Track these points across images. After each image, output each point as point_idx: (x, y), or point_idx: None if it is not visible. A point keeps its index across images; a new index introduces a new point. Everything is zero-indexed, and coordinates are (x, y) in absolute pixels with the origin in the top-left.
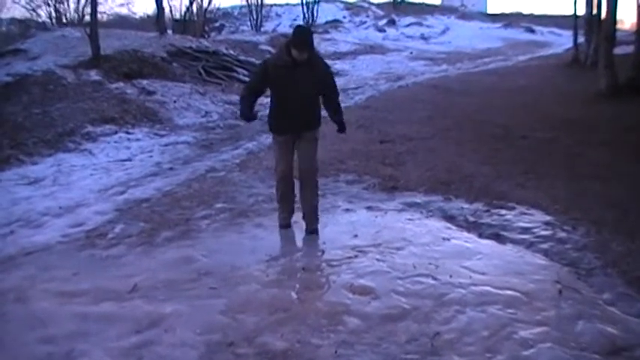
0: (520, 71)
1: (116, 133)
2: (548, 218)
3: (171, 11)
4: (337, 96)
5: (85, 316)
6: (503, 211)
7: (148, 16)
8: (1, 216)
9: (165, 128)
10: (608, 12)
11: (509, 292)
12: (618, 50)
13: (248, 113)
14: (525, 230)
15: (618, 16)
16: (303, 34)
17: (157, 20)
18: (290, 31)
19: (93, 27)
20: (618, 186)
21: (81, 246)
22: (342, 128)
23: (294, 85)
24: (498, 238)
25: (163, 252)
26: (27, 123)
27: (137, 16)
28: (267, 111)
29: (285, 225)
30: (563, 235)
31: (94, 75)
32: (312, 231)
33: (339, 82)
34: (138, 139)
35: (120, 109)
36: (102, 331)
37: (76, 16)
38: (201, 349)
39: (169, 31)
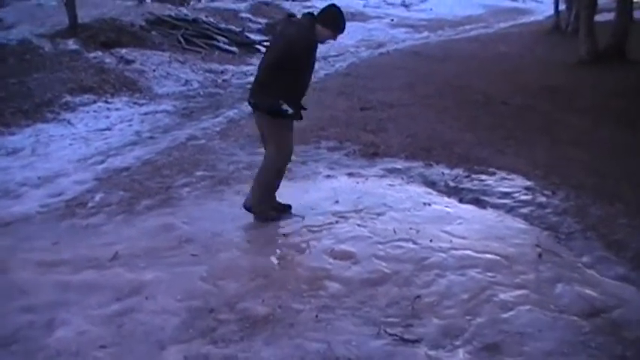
0: (501, 38)
1: (95, 102)
2: (528, 183)
3: None
4: None
5: (66, 285)
6: (483, 177)
7: None
8: None
9: (144, 97)
10: None
11: (489, 256)
12: (599, 17)
13: None
14: (505, 195)
15: None
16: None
17: None
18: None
19: None
20: (598, 151)
21: (60, 215)
22: None
23: (312, 66)
24: (479, 202)
25: (144, 220)
26: (3, 93)
27: None
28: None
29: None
30: (543, 199)
31: (71, 44)
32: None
33: (321, 49)
34: (117, 109)
35: (98, 78)
36: (83, 299)
37: None
38: (183, 316)
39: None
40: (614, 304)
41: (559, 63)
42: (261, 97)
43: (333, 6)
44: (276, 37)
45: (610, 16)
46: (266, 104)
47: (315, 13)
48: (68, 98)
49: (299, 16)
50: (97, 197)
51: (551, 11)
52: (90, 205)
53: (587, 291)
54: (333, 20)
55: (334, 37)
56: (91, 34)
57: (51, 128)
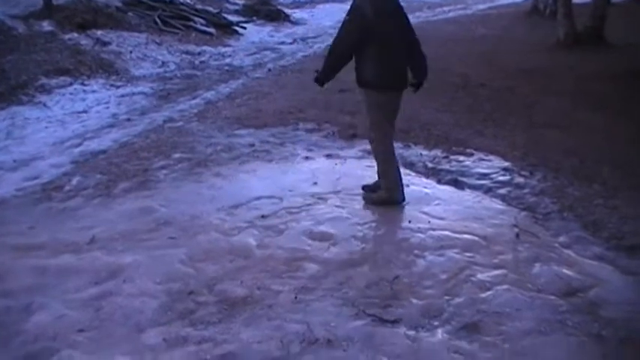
0: (479, 20)
1: (71, 84)
2: (506, 164)
3: None
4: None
5: (43, 269)
6: (461, 158)
7: None
8: None
9: (121, 79)
10: None
11: (467, 237)
12: (577, 0)
13: None
14: (483, 176)
15: None
16: None
17: None
18: None
19: None
20: (575, 133)
21: (37, 199)
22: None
23: None
24: (457, 183)
25: (121, 203)
26: None
27: None
28: None
29: None
30: (520, 180)
31: (46, 26)
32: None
33: (299, 31)
34: (94, 91)
35: (74, 60)
36: (60, 283)
37: None
38: (161, 298)
39: None
40: (590, 283)
41: (537, 45)
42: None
43: None
44: (391, 15)
45: None
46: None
47: None
48: (44, 80)
49: None
50: (74, 180)
51: None
52: (67, 188)
53: (565, 271)
54: None
55: None
56: (66, 16)
57: (26, 111)
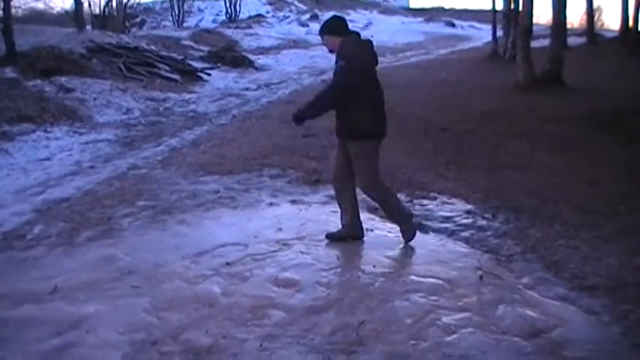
0: (441, 64)
1: (34, 132)
2: (468, 207)
3: (90, 6)
4: (328, 87)
5: (4, 320)
6: (425, 202)
7: (66, 12)
8: None
9: (85, 126)
10: (524, 7)
11: (431, 280)
12: (535, 44)
13: None
14: (447, 219)
15: (535, 12)
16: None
17: (76, 15)
18: (212, 26)
19: (7, 22)
20: (536, 174)
21: None
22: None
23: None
24: (421, 227)
25: (84, 252)
26: None
27: (55, 12)
28: None
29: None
30: (483, 222)
31: (9, 72)
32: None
33: (263, 77)
34: (57, 138)
35: (38, 107)
36: (21, 335)
37: None
38: (125, 349)
39: (88, 27)
40: (554, 323)
41: (498, 89)
42: None
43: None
44: (374, 61)
45: (546, 42)
46: None
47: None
48: (6, 128)
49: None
50: (36, 229)
51: (489, 38)
52: (29, 237)
53: (528, 312)
54: None
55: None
56: (30, 62)
57: None
